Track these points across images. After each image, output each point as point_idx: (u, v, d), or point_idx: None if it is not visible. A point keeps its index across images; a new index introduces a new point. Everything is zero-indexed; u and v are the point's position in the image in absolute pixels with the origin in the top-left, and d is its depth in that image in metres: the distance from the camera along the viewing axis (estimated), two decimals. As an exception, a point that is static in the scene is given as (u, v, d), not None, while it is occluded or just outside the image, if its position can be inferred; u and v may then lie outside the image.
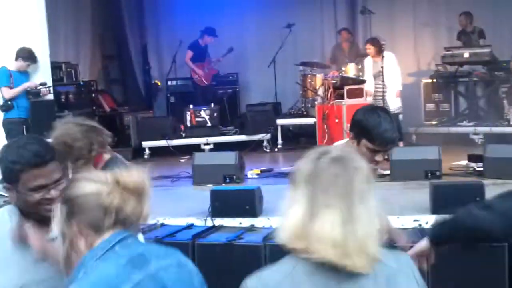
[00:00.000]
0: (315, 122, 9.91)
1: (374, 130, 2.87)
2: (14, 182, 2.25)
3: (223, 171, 7.33)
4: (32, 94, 8.03)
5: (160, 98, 13.14)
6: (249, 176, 7.74)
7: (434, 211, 5.42)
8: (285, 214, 1.80)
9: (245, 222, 5.44)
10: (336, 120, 9.13)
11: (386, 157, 5.14)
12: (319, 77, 10.61)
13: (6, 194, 2.41)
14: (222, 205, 5.57)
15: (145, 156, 10.07)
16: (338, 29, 12.21)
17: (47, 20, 8.40)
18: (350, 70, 10.38)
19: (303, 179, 1.80)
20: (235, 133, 10.77)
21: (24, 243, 2.26)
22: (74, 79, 10.31)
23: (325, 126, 9.39)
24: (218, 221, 5.52)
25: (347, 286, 1.73)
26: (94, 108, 10.95)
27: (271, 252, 4.53)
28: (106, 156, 3.40)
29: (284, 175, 7.54)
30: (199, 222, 5.57)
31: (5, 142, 7.53)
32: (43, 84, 8.08)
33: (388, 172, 6.88)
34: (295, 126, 11.60)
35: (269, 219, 5.35)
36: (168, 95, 12.51)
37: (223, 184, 7.14)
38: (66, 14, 11.23)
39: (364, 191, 1.79)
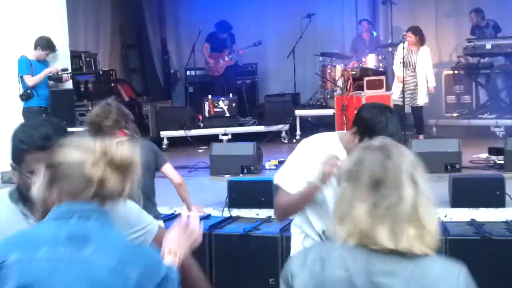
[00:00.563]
0: (334, 113, 9.86)
1: (381, 132, 2.83)
2: (18, 162, 2.19)
3: (241, 161, 7.31)
4: (54, 79, 8.06)
5: (178, 88, 13.15)
6: (267, 167, 7.71)
7: (453, 204, 5.38)
8: (345, 212, 1.78)
9: (262, 213, 5.43)
10: (356, 112, 9.05)
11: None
12: (339, 68, 10.54)
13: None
14: (239, 196, 5.57)
15: (164, 146, 10.07)
16: (358, 20, 12.10)
17: (67, 9, 8.41)
18: (370, 61, 10.29)
19: (347, 174, 1.81)
20: (253, 124, 10.74)
21: None
22: (93, 68, 10.34)
23: (344, 117, 9.33)
24: (235, 212, 5.52)
25: (377, 279, 1.71)
26: (113, 97, 10.94)
27: (287, 243, 4.50)
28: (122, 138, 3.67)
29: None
30: (216, 213, 5.58)
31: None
32: (64, 70, 8.11)
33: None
34: (314, 117, 11.54)
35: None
36: (187, 85, 12.51)
37: (241, 175, 7.13)
38: (86, 3, 11.25)
39: (421, 181, 1.77)
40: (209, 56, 11.51)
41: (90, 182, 1.75)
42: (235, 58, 11.71)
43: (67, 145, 1.81)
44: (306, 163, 2.98)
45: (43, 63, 7.99)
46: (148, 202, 4.09)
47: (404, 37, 8.93)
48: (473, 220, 5.07)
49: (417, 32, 9.16)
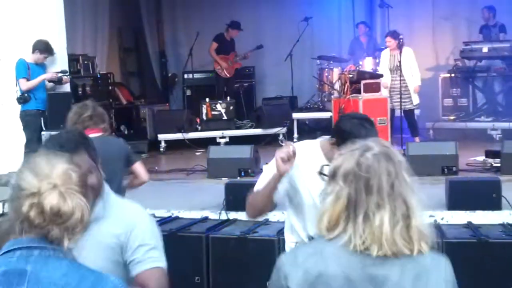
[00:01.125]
0: (331, 116, 9.86)
1: None
2: None
3: (238, 164, 7.33)
4: (53, 81, 8.06)
5: (176, 91, 13.16)
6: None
7: (450, 207, 5.39)
8: (325, 207, 1.82)
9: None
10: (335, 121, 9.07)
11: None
12: (336, 71, 10.56)
13: None
14: (236, 198, 5.57)
15: (161, 149, 10.09)
16: (356, 23, 12.12)
17: (65, 13, 8.41)
18: (368, 64, 10.32)
19: (345, 175, 1.81)
20: (250, 127, 10.76)
21: None
22: (91, 71, 10.33)
23: (341, 120, 9.32)
24: (233, 215, 5.52)
25: (372, 271, 1.74)
26: (111, 100, 10.97)
27: (285, 246, 4.51)
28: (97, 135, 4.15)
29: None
30: (214, 216, 5.58)
31: (22, 134, 7.66)
32: (63, 72, 8.11)
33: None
34: (311, 120, 11.56)
35: (284, 213, 5.32)
36: (185, 88, 12.51)
37: (238, 178, 7.14)
38: (84, 6, 11.25)
39: (412, 184, 1.83)
40: (221, 58, 11.50)
41: (20, 216, 1.68)
42: (240, 61, 11.78)
43: (26, 168, 1.73)
44: None
45: (41, 66, 7.98)
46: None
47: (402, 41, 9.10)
48: (469, 223, 5.08)
49: (395, 35, 9.26)
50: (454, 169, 6.81)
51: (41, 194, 1.66)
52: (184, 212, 5.67)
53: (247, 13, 12.50)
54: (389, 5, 11.07)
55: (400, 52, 9.20)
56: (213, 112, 10.55)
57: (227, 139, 10.17)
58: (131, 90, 12.46)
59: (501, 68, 10.53)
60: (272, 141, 10.27)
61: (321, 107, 11.04)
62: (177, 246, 4.57)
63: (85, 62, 10.20)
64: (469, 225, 5.01)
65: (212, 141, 9.80)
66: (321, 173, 2.58)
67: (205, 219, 5.51)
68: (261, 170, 7.65)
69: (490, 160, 7.31)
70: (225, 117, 10.56)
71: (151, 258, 2.35)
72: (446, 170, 6.76)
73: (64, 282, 1.64)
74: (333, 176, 1.84)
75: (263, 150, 8.52)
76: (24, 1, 8.04)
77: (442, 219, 5.20)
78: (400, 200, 1.77)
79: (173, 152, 10.01)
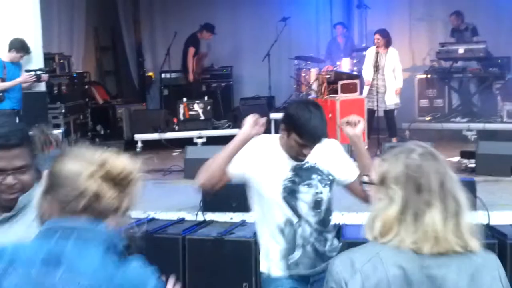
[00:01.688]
0: (308, 116, 9.88)
1: (304, 126, 2.94)
2: None
3: (215, 165, 7.29)
4: (30, 82, 7.97)
5: (153, 90, 13.10)
6: (241, 170, 7.70)
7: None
8: (376, 212, 1.85)
9: (236, 217, 5.43)
10: (330, 115, 9.06)
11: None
12: (314, 72, 10.58)
13: None
14: (213, 199, 5.54)
15: (138, 149, 10.02)
16: (333, 23, 12.17)
17: (41, 11, 8.34)
18: (345, 64, 10.35)
19: (396, 178, 1.84)
20: (228, 127, 10.73)
21: None
22: (67, 70, 10.26)
23: (319, 120, 9.33)
24: (209, 216, 5.51)
25: (431, 272, 1.77)
26: (87, 100, 10.90)
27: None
28: None
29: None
30: (190, 217, 5.56)
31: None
32: (41, 70, 8.04)
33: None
34: (289, 120, 11.55)
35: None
36: (162, 87, 12.46)
37: (215, 179, 7.11)
38: (60, 5, 11.15)
39: (458, 182, 1.87)
40: (196, 63, 11.42)
41: (82, 194, 1.67)
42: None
43: (67, 154, 1.76)
44: (244, 152, 3.07)
45: (17, 65, 7.91)
46: None
47: (379, 41, 9.12)
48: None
49: (385, 34, 9.31)
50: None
51: (105, 164, 1.71)
52: (160, 213, 5.65)
53: (225, 13, 12.49)
54: (367, 5, 11.14)
55: (386, 52, 9.24)
56: (191, 112, 10.51)
57: (204, 139, 10.14)
58: (107, 89, 12.39)
59: (477, 69, 10.64)
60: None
61: (298, 107, 11.05)
62: (154, 248, 4.54)
63: (61, 61, 10.13)
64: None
65: (189, 141, 9.75)
66: (364, 182, 2.55)
67: (182, 220, 5.49)
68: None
69: (465, 160, 7.37)
70: (202, 117, 10.53)
71: None
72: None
73: (99, 268, 1.64)
74: (382, 182, 1.87)
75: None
76: (-1, 0, 7.95)
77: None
78: (450, 198, 1.82)
79: (150, 152, 9.95)
